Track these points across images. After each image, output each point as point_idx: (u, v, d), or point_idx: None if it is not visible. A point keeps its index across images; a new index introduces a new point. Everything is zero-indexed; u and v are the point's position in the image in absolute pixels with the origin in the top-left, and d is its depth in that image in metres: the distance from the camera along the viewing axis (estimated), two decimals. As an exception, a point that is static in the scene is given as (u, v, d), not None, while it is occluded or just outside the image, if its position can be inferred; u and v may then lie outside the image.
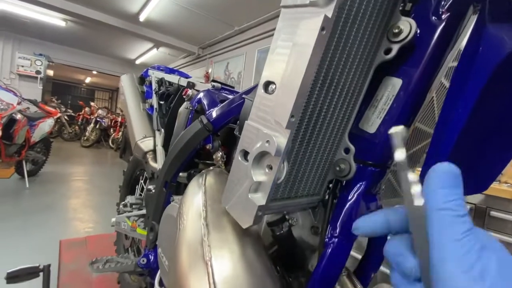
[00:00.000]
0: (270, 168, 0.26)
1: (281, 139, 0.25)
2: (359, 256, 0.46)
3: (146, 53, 6.22)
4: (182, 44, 5.06)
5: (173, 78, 0.94)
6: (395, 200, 0.48)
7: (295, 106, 0.24)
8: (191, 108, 0.66)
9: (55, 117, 3.57)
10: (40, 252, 1.72)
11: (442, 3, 0.30)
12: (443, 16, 0.31)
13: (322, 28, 0.22)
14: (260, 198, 0.27)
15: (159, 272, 0.59)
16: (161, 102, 0.96)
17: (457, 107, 0.30)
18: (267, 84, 0.27)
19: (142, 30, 4.54)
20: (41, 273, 1.15)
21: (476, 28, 0.29)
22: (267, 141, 0.25)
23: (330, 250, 0.34)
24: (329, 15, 0.22)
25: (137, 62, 7.17)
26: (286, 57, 0.24)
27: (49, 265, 1.17)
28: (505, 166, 0.38)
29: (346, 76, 0.31)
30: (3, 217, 2.20)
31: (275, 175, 0.25)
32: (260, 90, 0.27)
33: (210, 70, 4.97)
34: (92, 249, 1.81)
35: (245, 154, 0.29)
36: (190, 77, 1.05)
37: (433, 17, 0.31)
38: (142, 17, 4.00)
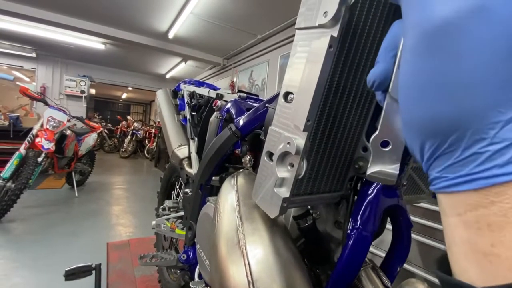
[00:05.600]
0: (292, 165, 0.30)
1: (300, 141, 0.29)
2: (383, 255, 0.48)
3: (175, 67, 6.58)
4: (208, 57, 5.30)
5: (203, 91, 1.02)
6: (418, 196, 0.49)
7: (310, 112, 0.28)
8: (220, 117, 0.73)
9: (98, 131, 3.92)
10: (90, 253, 1.91)
11: None
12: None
13: (330, 46, 0.26)
14: (284, 191, 0.31)
15: (198, 266, 0.65)
16: (193, 113, 1.05)
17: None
18: (286, 94, 0.32)
19: (171, 46, 4.84)
20: (93, 271, 1.29)
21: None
22: (288, 143, 0.30)
23: (352, 241, 0.37)
24: (335, 35, 0.26)
25: (167, 76, 7.61)
26: (301, 72, 0.29)
27: (100, 264, 1.31)
28: None
29: (358, 83, 0.34)
30: (58, 222, 2.47)
31: (296, 171, 0.30)
32: (280, 99, 0.32)
33: (235, 79, 5.13)
34: (134, 250, 1.96)
35: (270, 155, 0.33)
36: (219, 88, 1.14)
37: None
38: (170, 35, 4.29)
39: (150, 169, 6.29)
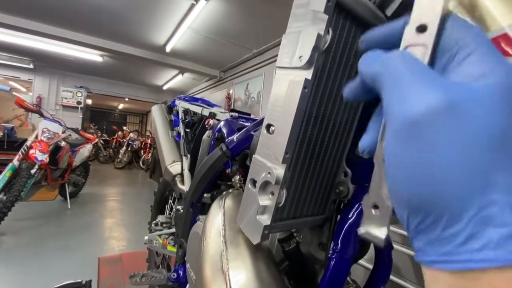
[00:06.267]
0: (273, 194, 0.32)
1: (280, 171, 0.31)
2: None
3: (172, 79, 6.66)
4: (204, 69, 5.39)
5: (197, 109, 1.05)
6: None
7: (288, 145, 0.30)
8: (212, 136, 0.75)
9: (93, 142, 3.91)
10: (81, 268, 1.87)
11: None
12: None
13: (305, 87, 0.29)
14: (266, 219, 0.33)
15: (187, 286, 0.65)
16: (187, 130, 1.07)
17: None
18: (268, 126, 0.34)
19: (168, 59, 4.92)
20: (83, 288, 1.27)
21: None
22: (269, 173, 0.32)
23: (332, 264, 0.39)
24: (309, 77, 0.28)
25: (164, 87, 7.68)
26: (280, 107, 0.31)
27: (90, 281, 1.29)
28: None
29: (336, 115, 0.37)
30: (50, 236, 2.43)
31: (276, 200, 0.32)
32: (263, 130, 0.34)
33: (231, 91, 5.20)
34: (126, 265, 1.93)
35: (254, 182, 0.35)
36: (214, 105, 1.16)
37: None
38: (168, 48, 4.37)
39: (145, 180, 6.24)
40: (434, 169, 0.15)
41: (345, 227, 0.41)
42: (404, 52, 0.18)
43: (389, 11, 0.40)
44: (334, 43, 0.32)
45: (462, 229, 0.14)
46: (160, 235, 1.00)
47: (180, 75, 6.04)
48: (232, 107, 5.04)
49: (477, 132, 0.14)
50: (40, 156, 2.68)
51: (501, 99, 0.15)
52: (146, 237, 1.16)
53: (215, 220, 0.43)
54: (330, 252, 0.39)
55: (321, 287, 0.39)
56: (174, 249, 0.92)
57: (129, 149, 7.66)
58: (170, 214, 1.33)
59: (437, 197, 0.15)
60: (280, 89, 0.32)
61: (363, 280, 0.51)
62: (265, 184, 0.33)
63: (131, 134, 7.84)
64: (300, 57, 0.29)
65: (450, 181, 0.15)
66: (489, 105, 0.15)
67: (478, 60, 0.16)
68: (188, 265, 0.64)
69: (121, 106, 11.95)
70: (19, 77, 6.50)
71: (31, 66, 6.21)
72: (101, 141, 7.61)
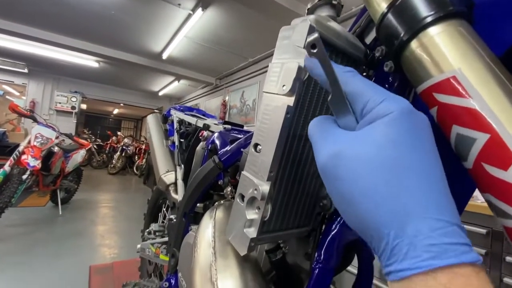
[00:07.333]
0: (259, 208, 0.35)
1: (265, 187, 0.34)
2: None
3: (168, 86, 6.69)
4: (200, 76, 5.44)
5: (191, 120, 1.07)
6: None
7: (273, 165, 0.33)
8: (205, 148, 0.77)
9: (87, 148, 3.89)
10: (72, 276, 1.85)
11: (390, 79, 0.39)
12: (394, 86, 0.40)
13: (287, 113, 0.32)
14: (252, 232, 0.35)
15: (179, 295, 0.66)
16: (182, 140, 1.09)
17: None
18: (256, 145, 0.37)
19: (165, 66, 4.96)
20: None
21: (412, 101, 0.38)
22: (255, 189, 0.34)
23: (316, 273, 0.41)
24: (291, 104, 0.31)
25: (160, 94, 7.69)
26: (267, 127, 0.34)
27: (81, 290, 1.28)
28: (468, 200, 0.44)
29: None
30: (40, 243, 2.39)
31: (262, 214, 0.34)
32: (251, 148, 0.37)
33: (227, 98, 5.24)
34: (118, 274, 1.91)
35: (242, 197, 0.38)
36: (209, 115, 1.19)
37: (386, 86, 0.40)
38: (165, 55, 4.41)
39: (138, 186, 6.19)
40: (346, 204, 0.20)
41: (328, 238, 0.43)
42: (318, 118, 0.25)
43: (368, 40, 0.43)
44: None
45: (386, 248, 0.17)
46: (153, 244, 1.01)
47: (176, 81, 6.08)
48: (227, 114, 5.07)
49: (363, 167, 0.18)
50: (32, 162, 2.66)
51: (389, 132, 0.18)
52: (138, 246, 1.16)
53: (206, 232, 0.45)
54: (314, 262, 0.42)
55: (305, 296, 0.41)
56: (167, 258, 0.93)
57: (123, 154, 7.61)
58: (163, 222, 1.34)
59: (360, 226, 0.19)
60: (266, 112, 0.35)
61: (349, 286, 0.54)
62: (252, 199, 0.36)
63: (126, 140, 7.80)
64: (283, 86, 0.32)
65: (360, 212, 0.19)
66: (372, 143, 0.19)
67: (377, 101, 0.20)
68: (180, 275, 0.66)
69: (116, 111, 11.89)
70: (13, 81, 6.44)
71: (26, 70, 6.17)
72: (95, 146, 7.55)
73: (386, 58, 0.36)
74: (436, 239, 0.16)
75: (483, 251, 1.26)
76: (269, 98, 0.35)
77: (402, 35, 0.29)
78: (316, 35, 0.22)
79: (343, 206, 0.20)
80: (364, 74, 0.43)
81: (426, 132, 0.19)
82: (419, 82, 0.28)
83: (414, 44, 0.28)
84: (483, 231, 1.27)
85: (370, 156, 0.18)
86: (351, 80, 0.23)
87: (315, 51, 0.22)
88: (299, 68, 0.31)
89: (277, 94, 0.33)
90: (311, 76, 0.27)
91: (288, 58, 0.33)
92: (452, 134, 0.24)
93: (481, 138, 0.21)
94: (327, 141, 0.21)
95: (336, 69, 0.23)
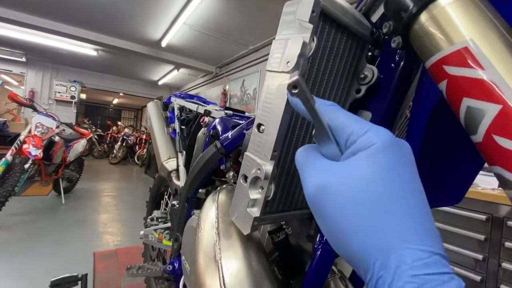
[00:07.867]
0: (262, 188, 0.35)
1: (268, 167, 0.34)
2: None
3: (167, 74, 6.62)
4: (200, 65, 5.37)
5: (192, 106, 1.06)
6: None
7: (276, 144, 0.33)
8: (207, 134, 0.77)
9: (88, 137, 3.89)
10: (77, 263, 1.89)
11: (397, 56, 0.38)
12: (400, 64, 0.39)
13: (291, 90, 0.31)
14: (255, 211, 0.35)
15: (183, 277, 0.68)
16: (183, 127, 1.08)
17: (412, 133, 0.38)
18: (259, 125, 0.36)
19: (164, 54, 4.89)
20: (79, 282, 1.29)
21: (420, 76, 0.37)
22: (259, 169, 0.34)
23: (318, 255, 0.41)
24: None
25: (160, 83, 7.62)
26: (271, 107, 0.34)
27: (86, 274, 1.31)
28: (476, 176, 0.44)
29: (322, 115, 0.39)
30: (44, 231, 2.43)
31: (265, 194, 0.34)
32: (254, 129, 0.37)
33: (227, 87, 5.19)
34: (122, 260, 1.95)
35: (245, 177, 0.38)
36: (209, 102, 1.18)
37: (392, 65, 0.39)
38: (164, 43, 4.34)
39: (140, 175, 6.23)
40: (333, 236, 0.20)
41: (331, 220, 0.43)
42: (304, 147, 0.26)
43: (374, 18, 0.42)
44: (320, 49, 0.35)
45: (372, 278, 0.18)
46: (155, 230, 1.03)
47: (176, 70, 6.01)
48: (228, 103, 5.04)
49: (347, 202, 0.19)
50: (34, 151, 2.67)
51: (372, 164, 0.19)
52: (142, 232, 1.18)
53: (209, 214, 0.45)
54: (316, 243, 0.42)
55: (308, 276, 0.42)
56: (170, 243, 0.94)
57: (124, 144, 7.62)
58: (165, 209, 1.35)
59: (348, 257, 0.20)
60: (270, 91, 0.34)
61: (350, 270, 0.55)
62: (255, 179, 0.35)
63: (126, 130, 7.78)
64: (287, 62, 0.31)
65: (346, 244, 0.19)
66: (356, 178, 0.19)
67: (360, 133, 0.21)
68: (183, 258, 0.67)
69: (115, 101, 11.82)
70: (11, 71, 6.38)
71: (24, 59, 6.10)
72: (96, 136, 7.55)
73: (394, 34, 0.35)
74: (418, 270, 0.16)
75: (482, 237, 1.28)
76: (272, 76, 0.34)
77: (411, 7, 0.28)
78: (296, 77, 0.22)
79: (330, 237, 0.21)
80: (370, 53, 0.42)
81: (407, 160, 0.20)
82: (429, 56, 0.27)
83: (423, 17, 0.27)
84: (483, 217, 1.28)
85: (354, 191, 0.19)
86: (333, 114, 0.24)
87: (296, 91, 0.22)
88: (304, 43, 0.30)
89: (280, 71, 0.33)
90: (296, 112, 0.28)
91: (292, 33, 0.32)
92: (462, 108, 0.23)
93: (493, 110, 0.20)
94: (314, 171, 0.22)
95: (319, 103, 0.24)
